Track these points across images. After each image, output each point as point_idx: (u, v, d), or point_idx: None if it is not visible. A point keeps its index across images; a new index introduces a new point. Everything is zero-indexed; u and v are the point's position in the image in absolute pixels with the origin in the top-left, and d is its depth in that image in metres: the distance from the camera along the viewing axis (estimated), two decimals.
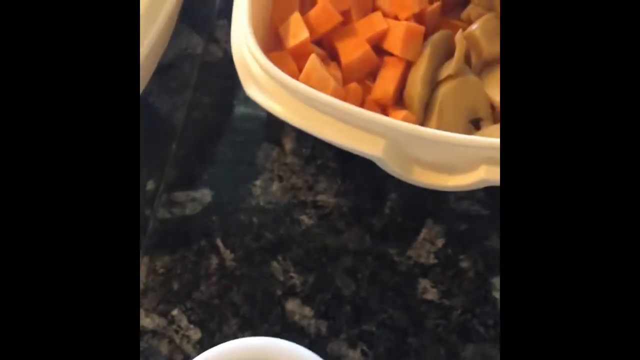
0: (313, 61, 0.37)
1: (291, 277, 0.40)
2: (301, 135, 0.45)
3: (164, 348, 0.39)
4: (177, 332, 0.39)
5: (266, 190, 0.43)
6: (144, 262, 0.41)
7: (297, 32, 0.38)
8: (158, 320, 0.40)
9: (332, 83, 0.37)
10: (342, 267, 0.41)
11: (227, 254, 0.41)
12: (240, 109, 0.46)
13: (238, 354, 0.33)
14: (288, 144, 0.44)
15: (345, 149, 0.36)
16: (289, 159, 0.44)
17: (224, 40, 0.49)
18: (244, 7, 0.37)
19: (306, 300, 0.40)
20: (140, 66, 0.38)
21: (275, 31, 0.41)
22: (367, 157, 0.36)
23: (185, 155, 0.45)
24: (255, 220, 0.42)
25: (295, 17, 0.39)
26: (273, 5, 0.41)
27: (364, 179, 0.43)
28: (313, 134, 0.36)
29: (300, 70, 0.38)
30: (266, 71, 0.35)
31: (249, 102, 0.46)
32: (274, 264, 0.41)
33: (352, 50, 0.40)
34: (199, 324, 0.39)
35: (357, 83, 0.39)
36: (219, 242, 0.42)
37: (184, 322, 0.40)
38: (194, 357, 0.38)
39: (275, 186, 0.43)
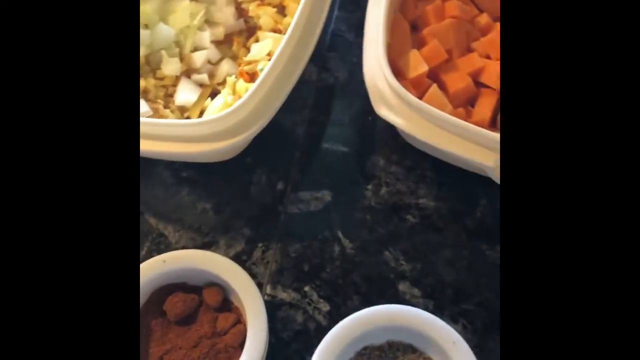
0: (435, 89, 0.46)
1: (401, 264, 0.49)
2: (403, 149, 0.54)
3: (299, 317, 0.47)
4: (309, 304, 0.48)
5: (376, 194, 0.52)
6: (278, 248, 0.50)
7: (417, 66, 0.48)
8: (293, 294, 0.48)
9: (450, 106, 0.46)
10: (443, 258, 0.49)
11: (347, 243, 0.50)
12: (350, 126, 0.55)
13: (378, 317, 0.42)
14: (393, 156, 0.54)
15: (459, 159, 0.46)
16: (393, 169, 0.53)
17: (335, 70, 0.58)
18: (379, 43, 0.46)
19: (415, 283, 0.48)
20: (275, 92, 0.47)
21: (392, 63, 0.50)
22: (479, 166, 0.44)
23: (307, 162, 0.54)
24: (368, 217, 0.51)
25: (414, 53, 0.49)
26: (391, 41, 0.51)
27: (457, 187, 0.52)
28: (434, 145, 0.45)
29: (419, 97, 0.47)
30: (400, 95, 0.45)
31: (358, 120, 0.56)
32: (386, 253, 0.49)
33: (457, 81, 0.49)
34: (327, 298, 0.48)
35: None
36: (339, 234, 0.50)
37: (314, 296, 0.48)
38: (324, 325, 0.47)
39: (383, 190, 0.52)
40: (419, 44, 0.51)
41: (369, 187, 0.52)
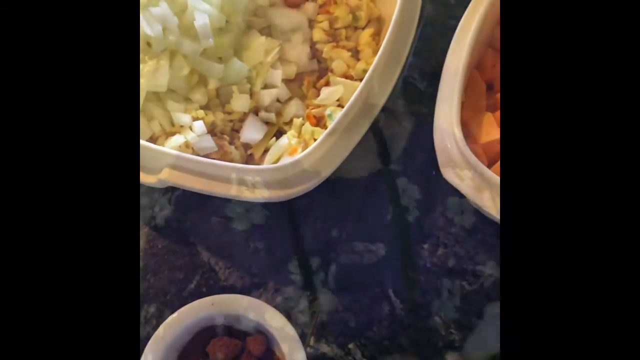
0: None
1: (451, 333, 0.47)
2: (466, 210, 0.52)
3: None
4: None
5: (433, 254, 0.50)
6: (326, 298, 0.49)
7: (491, 131, 0.46)
8: (337, 350, 0.47)
9: None
10: (496, 329, 0.47)
11: (397, 303, 0.49)
12: (412, 179, 0.54)
13: None
14: (455, 217, 0.52)
15: None
16: (454, 230, 0.51)
17: (402, 118, 0.57)
18: (453, 104, 0.45)
19: (463, 354, 0.46)
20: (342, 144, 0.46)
21: (464, 123, 0.48)
22: None
23: (364, 212, 0.53)
24: (422, 278, 0.49)
25: (489, 117, 0.47)
26: (465, 100, 0.49)
27: None
28: (499, 216, 0.43)
29: (488, 163, 0.45)
30: (469, 161, 0.43)
31: (421, 174, 0.54)
32: (437, 319, 0.48)
33: None
34: (371, 359, 0.46)
35: None
36: (390, 292, 0.49)
37: (358, 355, 0.47)
38: None
39: (440, 251, 0.51)
40: (493, 107, 0.49)
41: (426, 246, 0.51)
